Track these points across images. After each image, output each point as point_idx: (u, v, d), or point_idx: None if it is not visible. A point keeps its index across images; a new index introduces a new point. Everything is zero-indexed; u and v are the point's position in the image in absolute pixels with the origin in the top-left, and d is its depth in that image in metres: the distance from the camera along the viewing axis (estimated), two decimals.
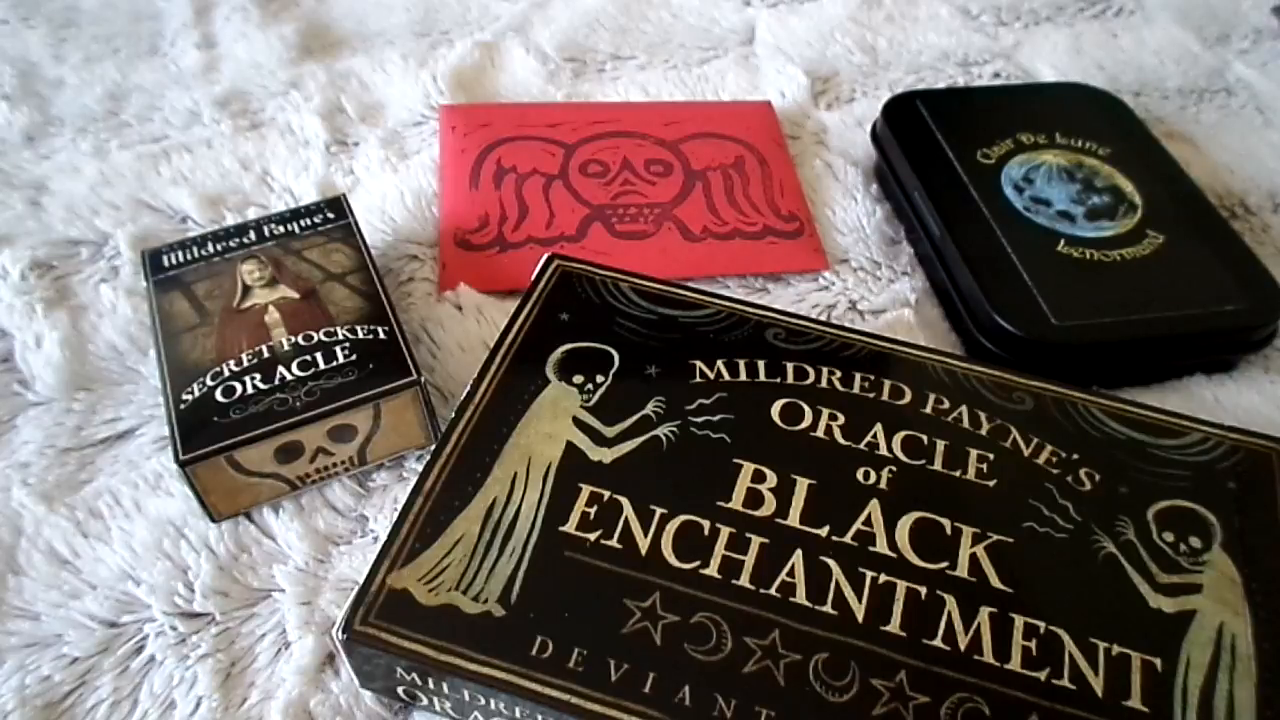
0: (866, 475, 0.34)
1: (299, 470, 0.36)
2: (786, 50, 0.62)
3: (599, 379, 0.36)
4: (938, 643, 0.29)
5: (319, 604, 0.34)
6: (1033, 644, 0.29)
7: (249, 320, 0.38)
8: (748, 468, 0.33)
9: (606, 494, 0.32)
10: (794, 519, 0.32)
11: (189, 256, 0.42)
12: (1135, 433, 0.35)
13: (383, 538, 0.31)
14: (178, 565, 0.35)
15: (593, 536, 0.31)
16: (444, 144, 0.53)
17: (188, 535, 0.36)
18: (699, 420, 0.35)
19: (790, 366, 0.37)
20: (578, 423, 0.34)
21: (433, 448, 0.35)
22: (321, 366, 0.36)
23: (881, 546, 0.32)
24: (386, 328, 0.38)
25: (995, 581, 0.31)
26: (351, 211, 0.44)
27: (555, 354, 0.37)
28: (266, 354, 0.37)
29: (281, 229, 0.43)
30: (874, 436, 0.35)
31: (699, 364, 0.37)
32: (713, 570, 0.31)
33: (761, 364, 0.37)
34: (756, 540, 0.31)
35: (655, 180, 0.51)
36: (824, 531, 0.32)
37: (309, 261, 0.41)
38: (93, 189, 0.50)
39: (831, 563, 0.31)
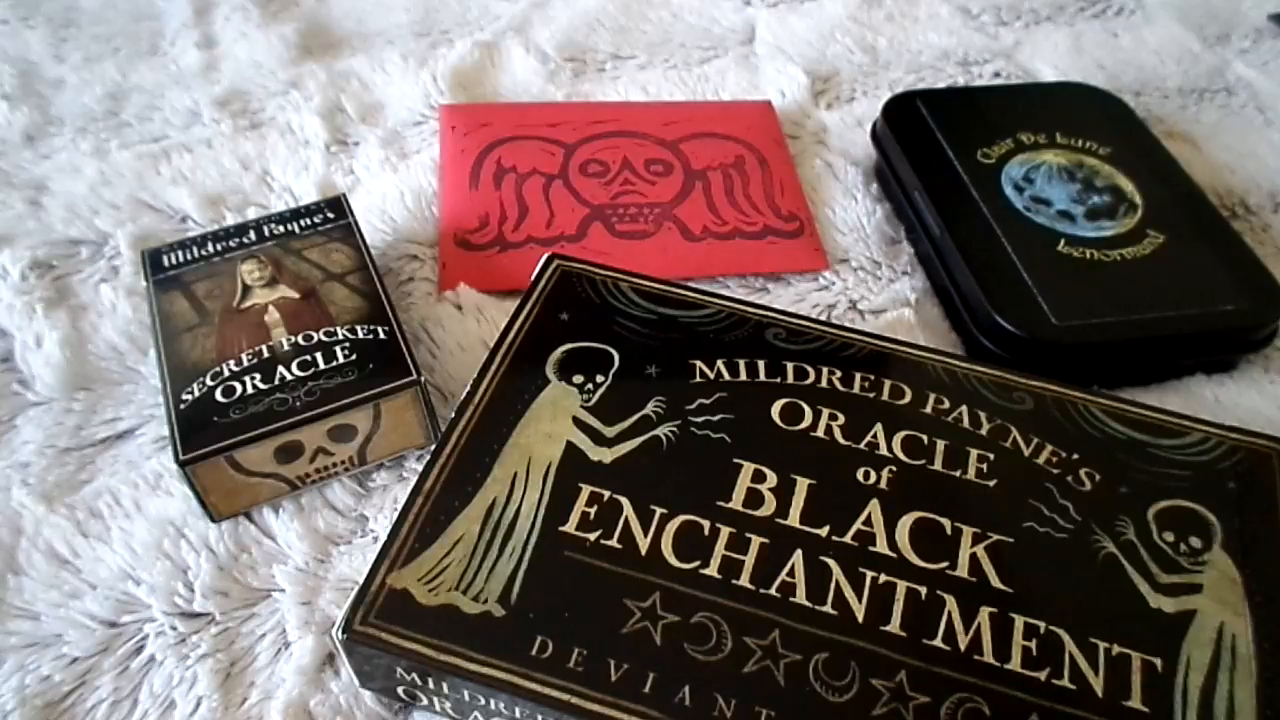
0: (866, 475, 0.34)
1: (299, 470, 0.36)
2: (786, 50, 0.62)
3: (599, 379, 0.36)
4: (938, 643, 0.29)
5: (319, 604, 0.34)
6: (1033, 644, 0.29)
7: (249, 320, 0.38)
8: (748, 468, 0.33)
9: (606, 494, 0.32)
10: (794, 519, 0.32)
11: (189, 256, 0.42)
12: (1135, 433, 0.35)
13: (383, 538, 0.31)
14: (178, 565, 0.35)
15: (593, 536, 0.31)
16: (444, 144, 0.53)
17: (188, 535, 0.36)
18: (699, 420, 0.35)
19: (790, 366, 0.37)
20: (578, 423, 0.34)
21: (433, 448, 0.35)
22: (321, 366, 0.36)
23: (881, 546, 0.32)
24: (386, 328, 0.38)
25: (995, 581, 0.31)
26: (351, 211, 0.44)
27: (555, 354, 0.37)
28: (266, 354, 0.37)
29: (281, 229, 0.43)
30: (874, 436, 0.35)
31: (699, 364, 0.37)
32: (713, 570, 0.31)
33: (761, 364, 0.37)
34: (756, 540, 0.31)
35: (655, 180, 0.51)
36: (824, 531, 0.32)
37: (309, 261, 0.41)
38: (93, 189, 0.50)
39: (831, 563, 0.31)
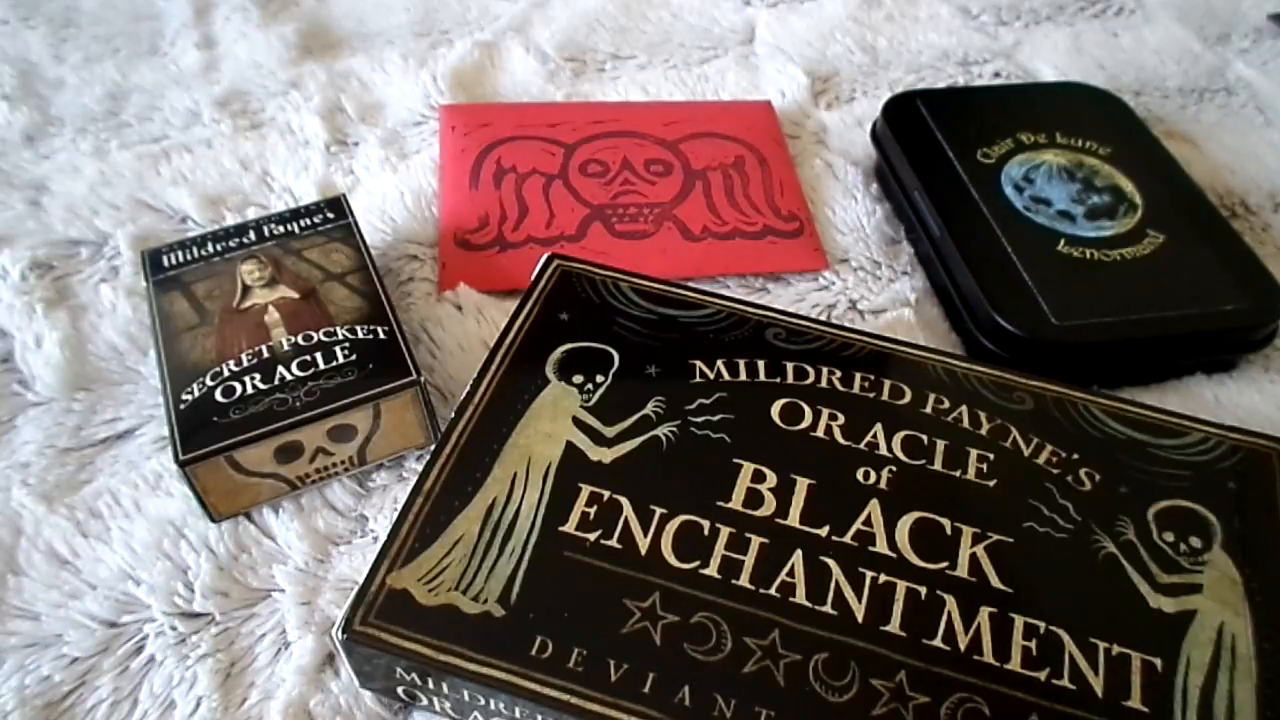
0: (866, 475, 0.34)
1: (299, 470, 0.36)
2: (786, 50, 0.62)
3: (599, 379, 0.36)
4: (938, 643, 0.29)
5: (319, 604, 0.34)
6: (1033, 644, 0.29)
7: (249, 320, 0.38)
8: (748, 468, 0.33)
9: (606, 494, 0.32)
10: (794, 519, 0.32)
11: (189, 256, 0.42)
12: (1135, 433, 0.35)
13: (383, 538, 0.31)
14: (178, 565, 0.35)
15: (592, 536, 0.31)
16: (444, 144, 0.53)
17: (188, 535, 0.36)
18: (699, 420, 0.35)
19: (790, 366, 0.37)
20: (578, 423, 0.34)
21: (433, 448, 0.35)
22: (321, 366, 0.36)
23: (881, 546, 0.32)
24: (386, 328, 0.38)
25: (995, 581, 0.31)
26: (351, 211, 0.44)
27: (555, 354, 0.37)
28: (266, 354, 0.37)
29: (281, 229, 0.43)
30: (874, 436, 0.35)
31: (699, 364, 0.37)
32: (713, 570, 0.31)
33: (761, 364, 0.37)
34: (756, 540, 0.31)
35: (655, 180, 0.51)
36: (824, 531, 0.32)
37: (309, 261, 0.41)
38: (93, 189, 0.50)
39: (831, 563, 0.31)
